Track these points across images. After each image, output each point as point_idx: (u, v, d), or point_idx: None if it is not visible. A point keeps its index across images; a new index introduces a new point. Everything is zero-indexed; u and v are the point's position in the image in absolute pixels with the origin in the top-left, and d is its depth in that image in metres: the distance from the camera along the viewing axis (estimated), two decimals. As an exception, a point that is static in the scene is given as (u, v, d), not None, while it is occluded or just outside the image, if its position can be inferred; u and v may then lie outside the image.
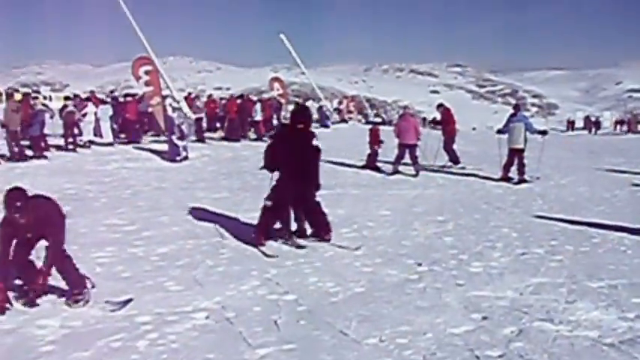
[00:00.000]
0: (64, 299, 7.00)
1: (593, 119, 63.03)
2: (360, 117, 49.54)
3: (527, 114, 25.61)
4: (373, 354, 5.71)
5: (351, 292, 7.57)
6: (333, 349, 5.84)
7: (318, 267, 8.65)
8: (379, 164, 19.07)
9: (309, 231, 9.98)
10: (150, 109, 24.25)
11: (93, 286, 7.22)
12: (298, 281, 8.02)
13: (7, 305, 6.72)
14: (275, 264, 8.73)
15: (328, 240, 9.75)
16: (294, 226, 9.99)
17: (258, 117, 29.01)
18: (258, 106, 29.59)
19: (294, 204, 9.81)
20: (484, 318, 6.62)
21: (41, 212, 6.88)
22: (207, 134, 27.79)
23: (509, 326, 6.36)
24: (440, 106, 21.07)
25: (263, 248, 9.36)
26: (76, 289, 7.07)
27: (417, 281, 7.97)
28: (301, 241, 9.70)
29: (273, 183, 9.60)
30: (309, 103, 57.19)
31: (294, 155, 9.34)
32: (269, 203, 9.59)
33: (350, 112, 49.49)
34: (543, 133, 18.29)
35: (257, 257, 9.05)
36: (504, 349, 5.78)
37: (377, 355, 5.67)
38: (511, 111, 17.87)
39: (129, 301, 7.01)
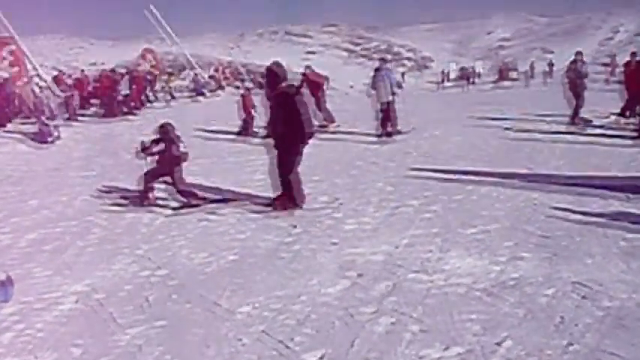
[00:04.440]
0: None
1: (469, 70, 64.10)
2: (237, 83, 49.01)
3: (403, 69, 25.82)
4: (246, 322, 5.54)
5: (225, 261, 7.37)
6: (205, 321, 5.64)
7: (191, 238, 8.42)
8: (256, 129, 18.79)
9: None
10: (17, 91, 23.09)
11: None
12: (170, 255, 7.77)
13: None
14: (147, 239, 8.49)
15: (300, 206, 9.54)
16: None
17: (125, 91, 28.12)
18: (125, 79, 28.66)
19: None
20: (359, 275, 6.52)
21: None
22: (80, 112, 26.79)
23: (383, 282, 6.27)
24: (306, 67, 20.81)
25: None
26: None
27: (292, 244, 7.82)
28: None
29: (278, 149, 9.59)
30: (185, 72, 56.22)
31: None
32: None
33: (226, 78, 48.97)
34: (399, 86, 18.52)
35: (129, 234, 8.78)
36: (378, 305, 5.70)
37: (250, 323, 5.49)
38: (376, 65, 17.90)
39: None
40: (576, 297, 5.63)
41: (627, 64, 18.78)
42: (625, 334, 4.84)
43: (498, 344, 4.78)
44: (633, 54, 18.27)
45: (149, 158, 10.53)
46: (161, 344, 5.21)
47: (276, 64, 9.80)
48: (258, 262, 7.22)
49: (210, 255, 7.59)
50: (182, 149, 10.32)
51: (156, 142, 10.31)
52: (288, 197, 9.56)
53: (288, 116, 9.30)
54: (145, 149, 10.37)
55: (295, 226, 8.54)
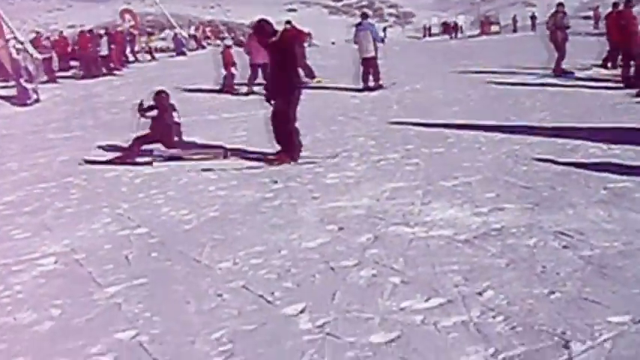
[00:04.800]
0: None
1: (451, 24, 63.59)
2: (218, 42, 48.63)
3: (385, 24, 25.61)
4: (227, 277, 5.47)
5: (205, 217, 7.29)
6: (185, 277, 5.57)
7: (172, 196, 8.35)
8: (237, 86, 18.59)
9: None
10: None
11: None
12: (151, 213, 7.69)
13: None
14: (126, 198, 8.40)
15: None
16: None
17: (105, 51, 27.79)
18: (104, 39, 28.30)
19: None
20: (340, 228, 6.47)
21: None
22: (59, 73, 26.45)
23: (365, 234, 6.22)
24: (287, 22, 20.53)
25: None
26: None
27: (273, 199, 7.75)
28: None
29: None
30: (165, 32, 55.63)
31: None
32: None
33: (207, 37, 48.62)
34: (382, 40, 18.43)
35: (108, 193, 8.68)
36: (360, 257, 5.64)
37: (230, 279, 5.43)
38: (358, 20, 17.73)
39: None
40: (558, 246, 5.61)
41: (609, 15, 18.67)
42: (606, 281, 4.81)
43: (479, 294, 4.75)
44: (615, 4, 18.13)
45: (141, 120, 10.60)
46: (141, 302, 5.14)
47: (265, 20, 10.01)
48: (239, 217, 7.15)
49: (191, 212, 7.51)
50: (176, 119, 10.29)
51: (150, 108, 10.37)
52: (288, 152, 9.58)
53: (289, 65, 9.54)
54: (141, 109, 10.40)
55: (276, 182, 8.48)
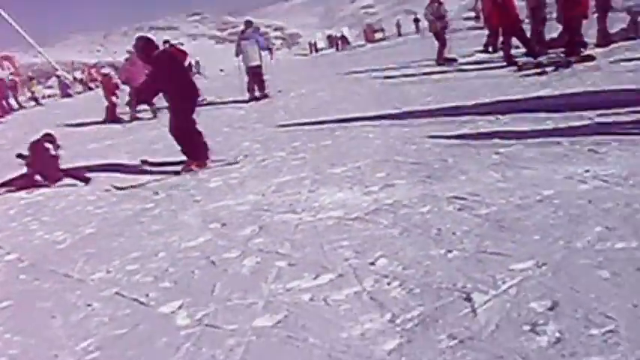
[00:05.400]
0: None
1: (337, 36, 63.51)
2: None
3: (272, 46, 25.36)
4: (99, 287, 4.95)
5: (80, 235, 6.73)
6: (53, 294, 5.03)
7: (46, 221, 7.74)
8: (121, 115, 17.92)
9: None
10: None
11: None
12: (23, 239, 7.08)
13: None
14: (-2, 227, 7.60)
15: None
16: None
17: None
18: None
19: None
20: (223, 224, 6.02)
21: None
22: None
23: (249, 226, 5.78)
24: (165, 42, 19.94)
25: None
26: None
27: (153, 209, 7.23)
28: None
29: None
30: (52, 80, 54.19)
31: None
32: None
33: (94, 80, 47.73)
34: (269, 50, 18.16)
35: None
36: (243, 247, 5.20)
37: (103, 287, 4.90)
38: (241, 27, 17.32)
39: None
40: (452, 209, 5.29)
41: (486, 2, 18.83)
42: (505, 233, 4.50)
43: (372, 264, 4.35)
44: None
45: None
46: (1, 325, 4.52)
47: (146, 36, 9.96)
48: (116, 230, 6.61)
49: (65, 232, 6.95)
50: (52, 152, 10.01)
51: (24, 156, 10.30)
52: (195, 158, 9.22)
53: (177, 76, 9.34)
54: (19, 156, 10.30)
55: (157, 193, 7.96)
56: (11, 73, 39.02)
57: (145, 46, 9.45)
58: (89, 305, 4.56)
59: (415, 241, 4.67)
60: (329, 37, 67.57)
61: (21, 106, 35.04)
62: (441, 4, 17.88)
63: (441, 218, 5.10)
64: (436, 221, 5.05)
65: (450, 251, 4.33)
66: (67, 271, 5.49)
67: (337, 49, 56.24)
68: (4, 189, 9.97)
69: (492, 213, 5.01)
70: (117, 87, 18.55)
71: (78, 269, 5.49)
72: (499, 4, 14.65)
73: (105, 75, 19.62)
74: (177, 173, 8.98)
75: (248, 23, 17.88)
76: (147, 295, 4.53)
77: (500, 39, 16.04)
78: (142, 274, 5.02)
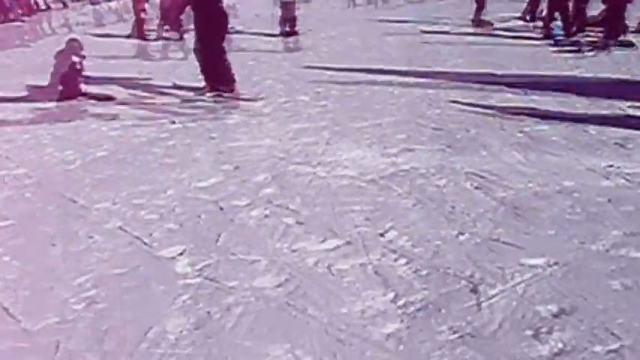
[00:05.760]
0: None
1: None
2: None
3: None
4: (102, 218, 4.88)
5: (91, 157, 6.62)
6: (56, 218, 4.97)
7: (59, 136, 7.58)
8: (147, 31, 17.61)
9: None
10: None
11: None
12: (32, 154, 6.91)
13: None
14: (10, 138, 7.56)
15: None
16: None
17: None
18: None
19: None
20: (236, 168, 5.93)
21: None
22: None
23: (261, 174, 5.71)
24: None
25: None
26: None
27: (167, 139, 7.11)
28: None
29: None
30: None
31: None
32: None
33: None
34: None
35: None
36: (253, 196, 5.12)
37: (105, 220, 4.83)
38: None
39: None
40: (469, 187, 5.21)
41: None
42: (520, 222, 4.42)
43: (381, 235, 4.28)
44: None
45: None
46: (1, 244, 4.46)
47: None
48: (128, 157, 6.52)
49: (76, 152, 6.82)
50: (77, 66, 9.66)
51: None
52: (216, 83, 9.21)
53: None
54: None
55: (174, 122, 7.82)
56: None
57: None
58: (91, 237, 4.51)
59: (428, 216, 4.59)
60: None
61: (48, 7, 34.34)
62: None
63: (456, 195, 5.02)
64: (451, 197, 4.97)
65: (461, 233, 4.26)
66: (72, 196, 5.42)
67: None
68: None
69: (509, 197, 4.92)
70: (146, 0, 18.18)
71: (84, 195, 5.42)
72: None
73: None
74: (199, 93, 8.97)
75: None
76: (150, 235, 4.47)
77: (542, 9, 15.63)
78: (148, 211, 4.96)
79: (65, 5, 34.22)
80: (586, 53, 11.84)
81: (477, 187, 5.17)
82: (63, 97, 9.27)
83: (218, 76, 9.15)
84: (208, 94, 8.97)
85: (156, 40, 16.66)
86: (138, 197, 5.27)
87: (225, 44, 9.32)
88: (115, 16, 39.88)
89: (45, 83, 9.64)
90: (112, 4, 47.37)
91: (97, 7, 38.88)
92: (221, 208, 4.90)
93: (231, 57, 9.88)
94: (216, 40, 9.13)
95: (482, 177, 5.38)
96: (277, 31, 16.28)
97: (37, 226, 4.84)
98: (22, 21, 25.01)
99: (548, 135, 6.65)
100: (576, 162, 5.72)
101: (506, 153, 6.08)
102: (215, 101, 8.83)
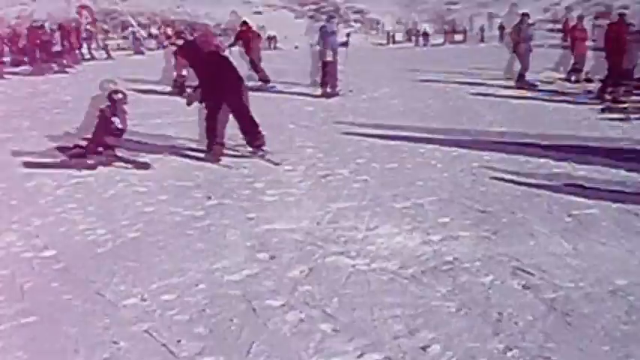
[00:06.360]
0: None
1: (415, 31, 62.07)
2: (180, 42, 47.64)
3: (349, 30, 25.10)
4: (128, 318, 4.65)
5: (123, 239, 6.41)
6: (81, 316, 4.73)
7: (92, 211, 7.37)
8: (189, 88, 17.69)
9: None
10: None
11: None
12: (63, 231, 6.71)
13: None
14: (42, 212, 7.38)
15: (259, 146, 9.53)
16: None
17: (58, 47, 26.64)
18: (57, 35, 27.15)
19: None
20: (272, 257, 5.69)
21: None
22: (10, 69, 25.37)
23: (298, 266, 5.47)
24: (243, 24, 19.71)
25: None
26: None
27: (202, 218, 6.92)
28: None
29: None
30: (127, 31, 54.64)
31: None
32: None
33: (168, 37, 47.70)
34: (344, 44, 17.79)
35: (25, 205, 7.66)
36: (289, 295, 4.88)
37: (133, 320, 4.60)
38: (322, 23, 16.99)
39: None
40: (517, 286, 4.94)
41: (573, 28, 18.21)
42: (572, 334, 4.14)
43: (423, 349, 4.00)
44: (580, 18, 17.67)
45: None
46: (21, 348, 4.28)
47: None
48: (161, 240, 6.32)
49: (109, 232, 6.60)
50: (118, 124, 9.45)
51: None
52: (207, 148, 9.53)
53: (200, 70, 9.68)
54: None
55: (210, 197, 7.65)
56: (88, 23, 39.06)
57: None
58: (115, 343, 4.29)
59: (473, 324, 4.32)
60: (408, 31, 66.35)
61: (92, 57, 34.86)
62: (529, 25, 17.26)
63: (504, 297, 4.75)
64: (498, 300, 4.70)
65: (509, 349, 3.98)
66: (100, 288, 5.20)
67: (416, 44, 55.11)
68: (62, 155, 9.62)
69: (560, 300, 4.65)
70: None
71: (112, 287, 5.21)
72: (611, 37, 13.94)
73: (177, 46, 19.34)
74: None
75: (329, 18, 17.58)
76: (178, 342, 4.25)
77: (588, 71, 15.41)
78: (178, 310, 4.73)
79: (109, 56, 34.86)
80: (632, 120, 11.55)
81: (524, 286, 4.91)
82: (97, 162, 9.15)
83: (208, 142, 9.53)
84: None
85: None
86: (168, 292, 5.05)
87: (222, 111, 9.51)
88: (154, 42, 40.49)
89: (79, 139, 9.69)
90: (153, 30, 48.02)
91: (137, 33, 39.62)
92: (254, 310, 4.67)
93: (272, 121, 9.79)
94: (210, 106, 9.54)
95: (530, 274, 5.14)
96: (319, 91, 16.23)
97: (61, 326, 4.61)
98: (66, 72, 25.34)
99: (598, 220, 6.40)
100: (629, 254, 5.48)
101: (555, 242, 5.86)
102: (252, 173, 8.67)
